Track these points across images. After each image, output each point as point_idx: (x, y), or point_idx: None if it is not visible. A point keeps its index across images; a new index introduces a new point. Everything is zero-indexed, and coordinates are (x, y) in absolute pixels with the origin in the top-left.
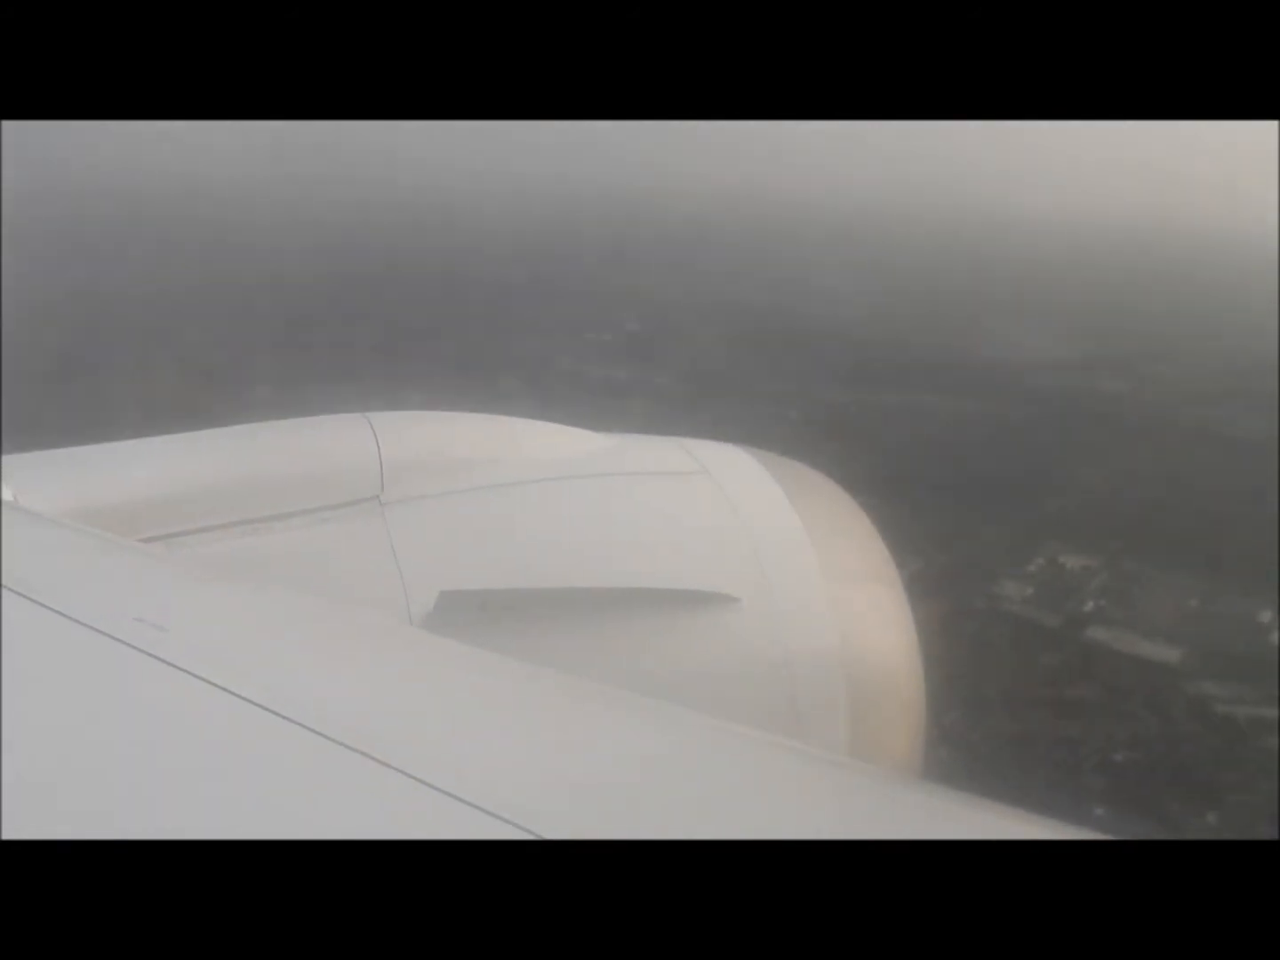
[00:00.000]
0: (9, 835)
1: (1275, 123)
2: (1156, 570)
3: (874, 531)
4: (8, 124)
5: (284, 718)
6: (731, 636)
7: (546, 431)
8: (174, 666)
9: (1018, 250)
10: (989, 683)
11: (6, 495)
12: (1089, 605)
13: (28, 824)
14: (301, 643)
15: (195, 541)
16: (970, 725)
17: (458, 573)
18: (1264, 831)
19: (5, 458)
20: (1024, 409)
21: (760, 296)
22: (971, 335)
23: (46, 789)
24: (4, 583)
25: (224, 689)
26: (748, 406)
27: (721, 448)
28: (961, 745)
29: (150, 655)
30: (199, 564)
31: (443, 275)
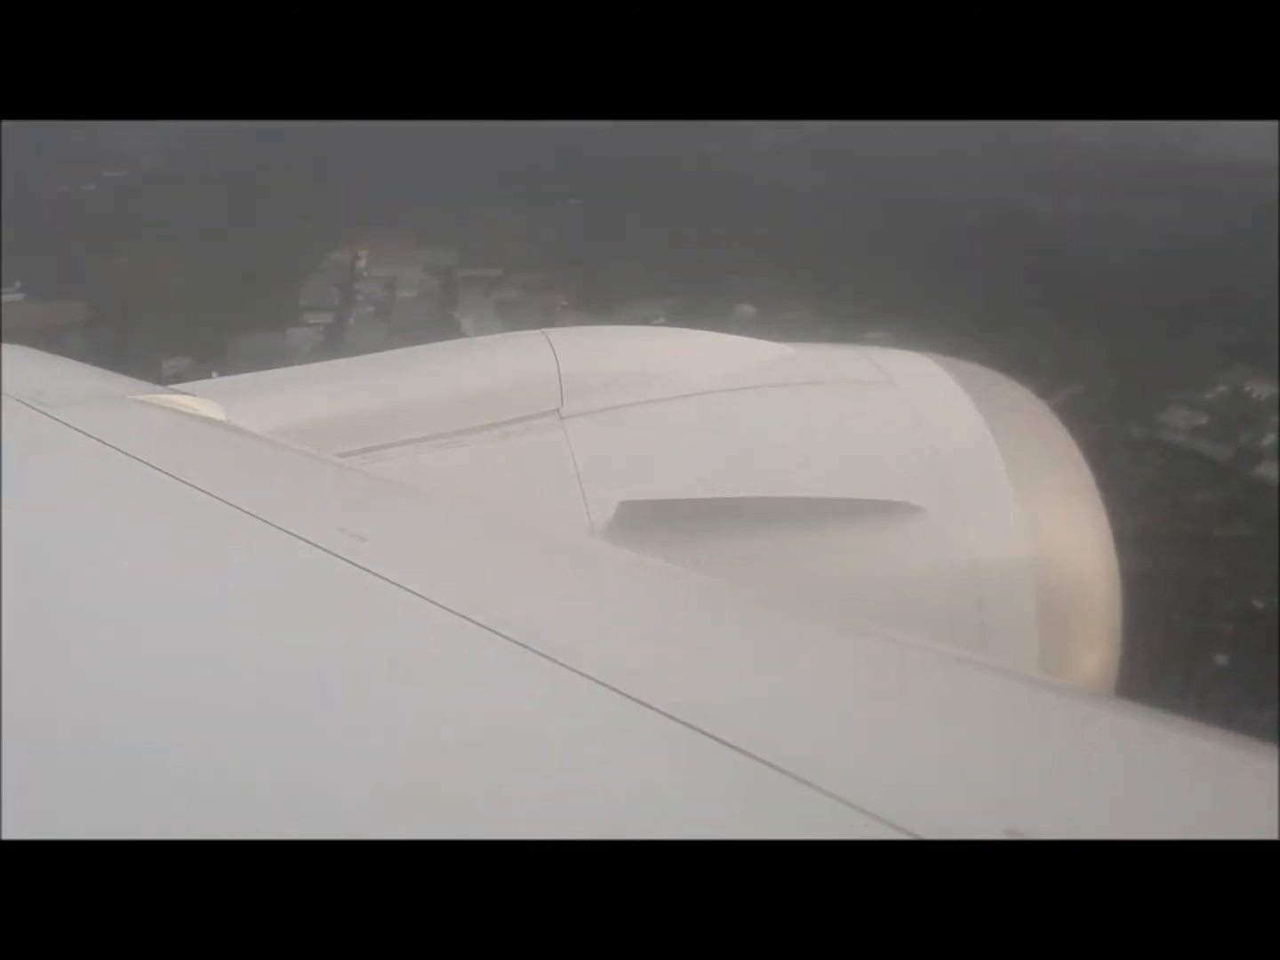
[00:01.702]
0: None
1: (1275, 123)
2: None
3: (1071, 443)
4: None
5: (474, 623)
6: (915, 547)
7: (725, 342)
8: (376, 575)
9: None
10: (1127, 516)
11: (221, 415)
12: (1268, 439)
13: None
14: (487, 552)
15: (388, 456)
16: None
17: (637, 483)
18: None
19: (217, 380)
20: (1237, 218)
21: None
22: (1189, 133)
23: (263, 687)
24: (220, 496)
25: (420, 596)
26: None
27: (907, 356)
28: None
29: (353, 564)
30: (392, 477)
31: None
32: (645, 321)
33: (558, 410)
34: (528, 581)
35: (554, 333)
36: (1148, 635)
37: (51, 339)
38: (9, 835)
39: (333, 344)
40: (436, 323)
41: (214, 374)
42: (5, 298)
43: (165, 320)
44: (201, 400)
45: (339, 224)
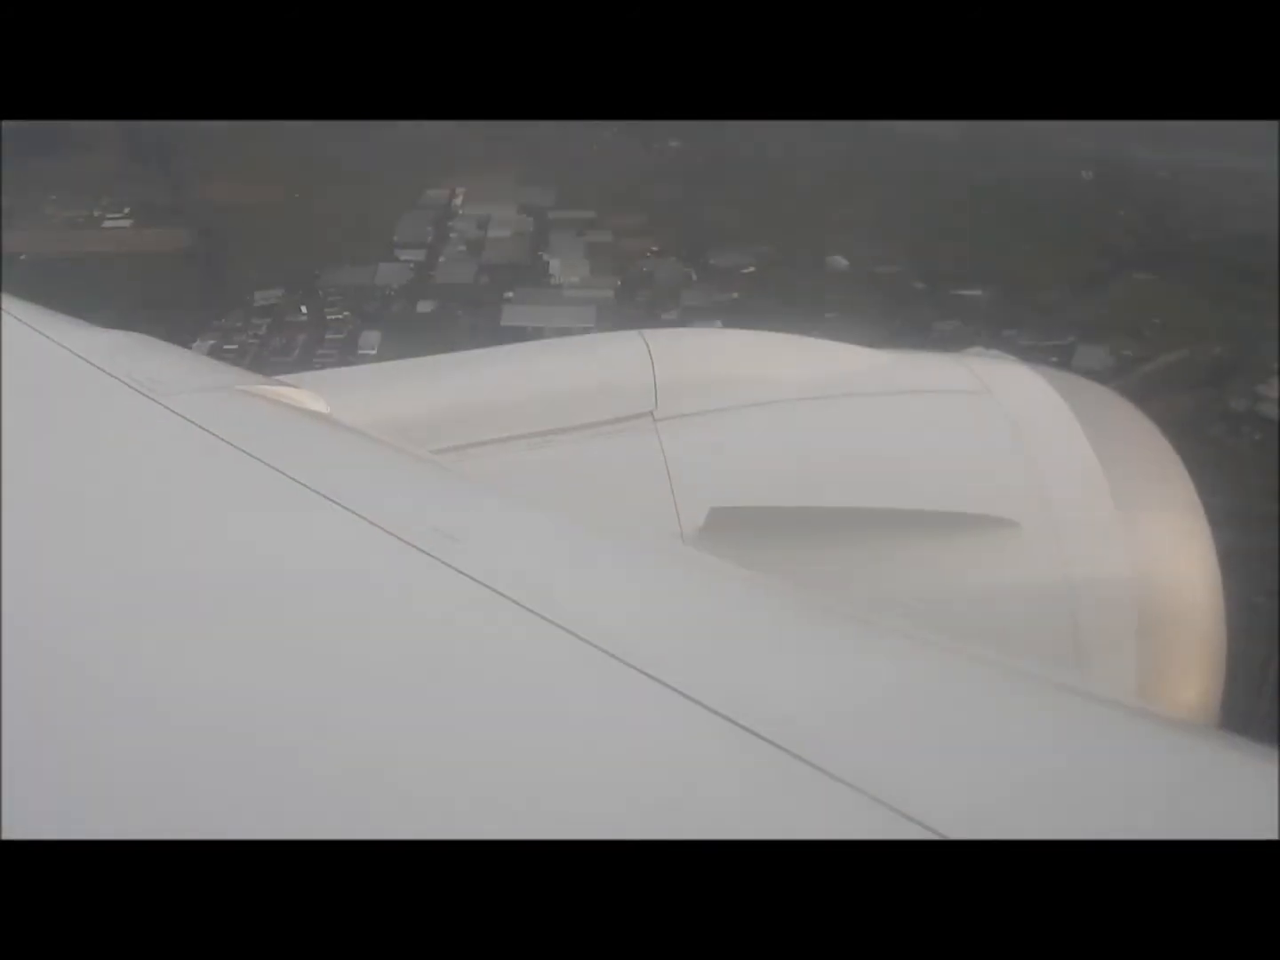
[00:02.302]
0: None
1: (1275, 123)
2: None
3: (1175, 458)
4: None
5: (561, 628)
6: (1009, 563)
7: (822, 348)
8: (466, 575)
9: None
10: (1218, 493)
11: (323, 407)
12: None
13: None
14: (576, 558)
15: (483, 453)
16: None
17: (730, 489)
18: None
19: (319, 373)
20: None
21: None
22: None
23: (340, 691)
24: (321, 491)
25: (509, 599)
26: None
27: (1006, 365)
28: None
29: (445, 564)
30: (488, 475)
31: None
32: (735, 270)
33: (651, 413)
34: (615, 590)
35: (650, 333)
36: (1228, 616)
37: (153, 265)
38: (9, 835)
39: (421, 281)
40: (525, 264)
41: (303, 308)
42: (113, 223)
43: (261, 250)
44: (304, 392)
45: (441, 160)
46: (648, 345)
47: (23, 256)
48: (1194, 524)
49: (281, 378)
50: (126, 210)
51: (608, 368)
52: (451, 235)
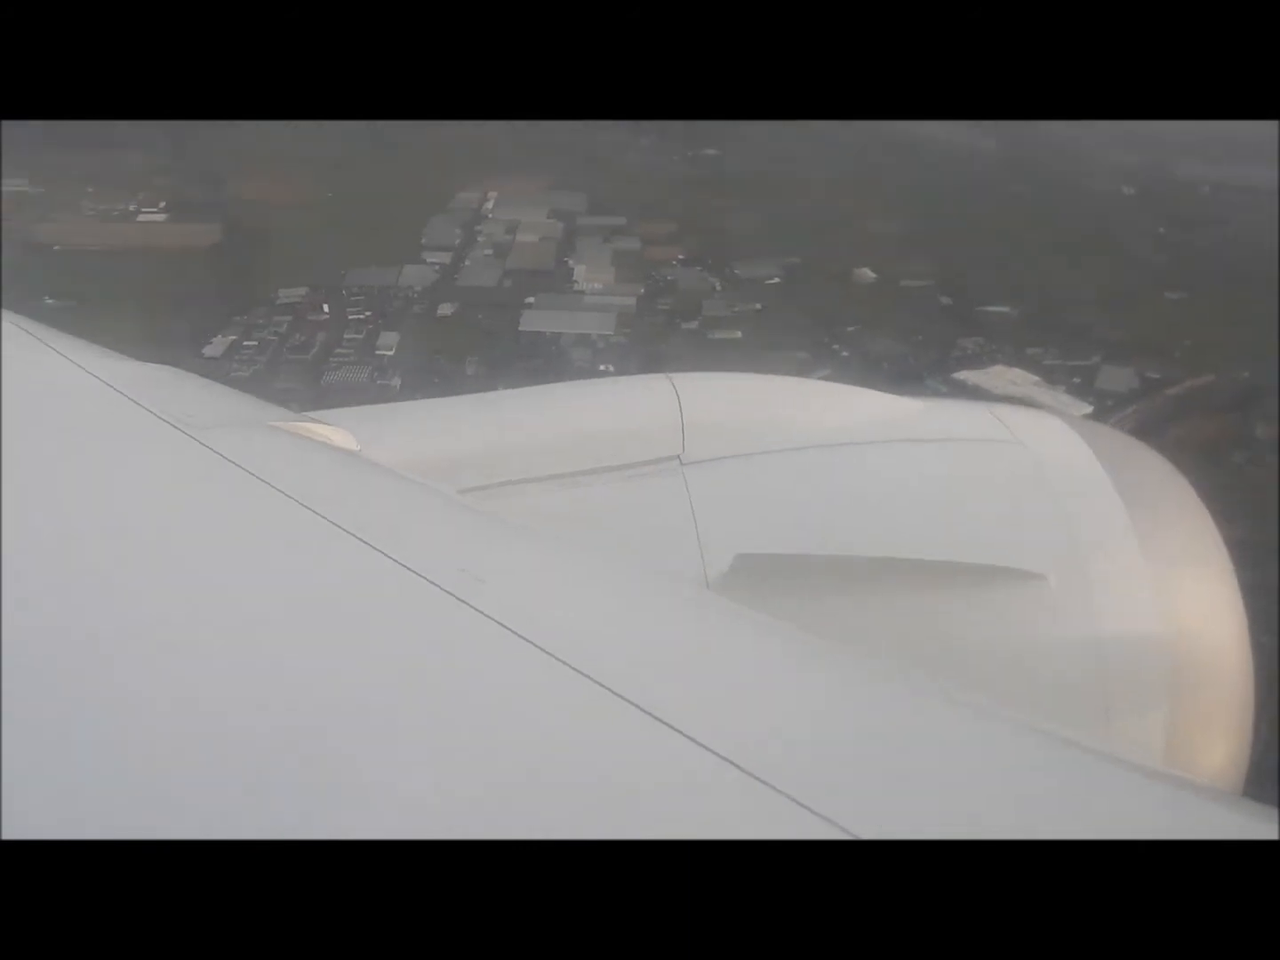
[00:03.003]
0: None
1: (1275, 123)
2: None
3: (1204, 512)
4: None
5: (579, 672)
6: (1035, 617)
7: (850, 395)
8: (491, 619)
9: None
10: (1236, 526)
11: (354, 444)
12: None
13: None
14: (601, 603)
15: (509, 494)
16: None
17: (755, 535)
18: None
19: (350, 409)
20: None
21: None
22: None
23: (366, 722)
24: (349, 529)
25: (534, 644)
26: None
27: (1035, 415)
28: None
29: (470, 606)
30: (513, 516)
31: None
32: (760, 280)
33: (679, 456)
34: (636, 635)
35: (678, 377)
36: None
37: (183, 259)
38: (9, 835)
39: (445, 284)
40: (550, 269)
41: (325, 307)
42: (148, 217)
43: (291, 248)
44: (334, 429)
45: (477, 162)
46: (675, 389)
47: (56, 247)
48: (1222, 578)
49: (312, 414)
50: (162, 204)
51: (635, 410)
52: (479, 239)
